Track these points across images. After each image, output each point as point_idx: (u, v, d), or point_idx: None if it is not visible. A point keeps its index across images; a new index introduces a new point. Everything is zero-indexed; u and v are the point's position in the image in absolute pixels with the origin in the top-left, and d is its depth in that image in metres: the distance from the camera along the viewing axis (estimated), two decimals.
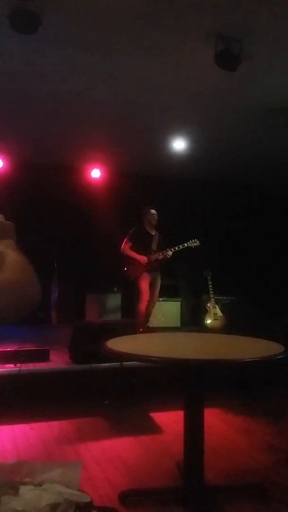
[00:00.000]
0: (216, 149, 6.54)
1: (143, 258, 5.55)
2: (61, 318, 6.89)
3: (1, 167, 6.94)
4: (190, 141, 6.33)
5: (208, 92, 4.88)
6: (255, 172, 7.51)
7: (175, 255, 5.75)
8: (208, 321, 6.61)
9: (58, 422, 3.61)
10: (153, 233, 5.77)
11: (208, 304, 6.71)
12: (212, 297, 6.70)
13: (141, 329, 5.26)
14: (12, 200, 5.81)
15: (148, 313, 5.68)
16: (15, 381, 3.85)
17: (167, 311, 6.99)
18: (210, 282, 6.74)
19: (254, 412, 3.95)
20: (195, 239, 5.84)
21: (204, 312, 6.83)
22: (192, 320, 7.34)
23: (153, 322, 6.17)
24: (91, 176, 7.48)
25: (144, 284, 5.54)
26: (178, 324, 7.06)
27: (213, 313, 6.63)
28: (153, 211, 5.71)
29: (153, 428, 3.57)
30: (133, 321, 5.49)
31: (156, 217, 5.72)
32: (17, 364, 4.03)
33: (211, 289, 6.71)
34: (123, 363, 4.08)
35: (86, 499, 1.33)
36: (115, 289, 7.25)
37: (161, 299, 6.49)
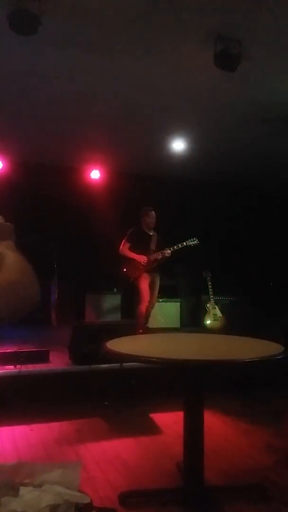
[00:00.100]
0: (216, 149, 6.54)
1: (142, 258, 5.53)
2: (60, 318, 6.88)
3: (0, 168, 6.94)
4: (190, 141, 6.33)
5: (207, 93, 4.88)
6: (254, 172, 7.52)
7: (175, 256, 5.75)
8: (208, 322, 6.61)
9: (58, 423, 3.61)
10: (151, 233, 5.75)
11: (208, 305, 6.71)
12: (212, 298, 6.70)
13: (140, 330, 5.26)
14: (11, 201, 5.81)
15: (147, 314, 5.67)
16: (15, 383, 3.85)
17: (166, 311, 6.99)
18: (209, 283, 6.74)
19: (254, 413, 3.94)
20: (194, 238, 5.83)
21: (203, 312, 6.83)
22: (191, 320, 7.34)
23: (153, 322, 6.17)
24: (90, 177, 7.48)
25: (144, 285, 5.52)
26: (177, 324, 7.06)
27: (213, 314, 6.63)
28: (151, 213, 5.69)
29: (153, 429, 3.57)
30: (133, 321, 5.49)
31: (155, 219, 5.70)
32: (17, 366, 4.03)
33: (210, 289, 6.71)
34: (123, 364, 4.08)
35: (86, 500, 1.33)
36: (115, 289, 7.25)
37: (160, 300, 6.49)
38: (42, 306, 6.66)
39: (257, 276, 7.68)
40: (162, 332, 5.80)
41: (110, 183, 7.40)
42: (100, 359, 3.99)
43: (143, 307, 5.52)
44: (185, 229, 6.02)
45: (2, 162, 6.93)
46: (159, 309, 6.49)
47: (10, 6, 3.38)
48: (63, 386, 4.02)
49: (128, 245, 5.62)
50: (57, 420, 3.66)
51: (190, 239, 5.82)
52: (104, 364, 4.14)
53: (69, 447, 3.19)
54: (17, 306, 0.91)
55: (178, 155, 6.69)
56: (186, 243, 5.78)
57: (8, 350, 4.28)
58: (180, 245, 5.74)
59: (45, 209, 6.84)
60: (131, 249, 5.60)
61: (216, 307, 6.68)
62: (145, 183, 7.09)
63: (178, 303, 7.24)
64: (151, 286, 5.60)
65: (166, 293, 6.79)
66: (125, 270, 5.63)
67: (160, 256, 5.59)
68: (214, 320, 6.58)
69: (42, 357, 4.34)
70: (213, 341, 2.99)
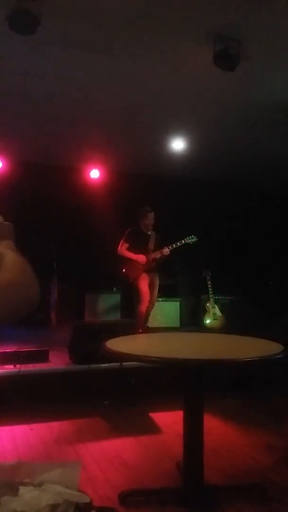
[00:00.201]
0: (215, 149, 6.54)
1: (141, 258, 5.51)
2: (60, 318, 6.88)
3: (0, 168, 6.94)
4: (189, 141, 6.33)
5: (207, 92, 4.88)
6: (254, 172, 7.52)
7: (175, 255, 5.74)
8: (208, 321, 6.62)
9: (58, 423, 3.61)
10: (150, 233, 5.72)
11: (208, 304, 6.72)
12: (212, 297, 6.70)
13: (140, 330, 5.25)
14: (11, 201, 5.82)
15: (147, 314, 5.65)
16: (15, 382, 3.85)
17: (166, 311, 6.99)
18: (209, 282, 6.74)
19: (254, 412, 3.95)
20: (192, 235, 5.80)
21: (203, 312, 6.84)
22: (191, 320, 7.34)
23: (152, 322, 6.17)
24: (90, 177, 7.48)
25: (143, 285, 5.50)
26: (177, 324, 7.06)
27: (213, 313, 6.63)
28: (150, 214, 5.63)
29: (153, 429, 3.57)
30: (132, 321, 5.48)
31: (153, 220, 5.66)
32: (17, 365, 4.02)
33: (210, 289, 6.71)
34: (123, 363, 4.08)
35: (86, 499, 1.33)
36: (115, 289, 7.25)
37: (160, 299, 6.49)
38: (42, 306, 6.67)
39: (257, 275, 7.68)
40: (161, 331, 5.80)
41: (110, 182, 7.40)
42: (100, 359, 3.99)
43: (143, 307, 5.50)
44: (185, 229, 6.01)
45: (2, 162, 6.93)
46: (158, 308, 6.49)
47: (10, 6, 3.38)
48: (63, 385, 4.02)
49: (126, 245, 5.59)
50: (57, 419, 3.66)
51: (189, 236, 5.79)
52: (104, 363, 4.13)
53: (69, 446, 3.19)
54: (17, 306, 0.91)
55: (178, 155, 6.69)
56: (184, 241, 5.75)
57: (7, 350, 4.28)
58: (178, 243, 5.70)
59: (45, 209, 6.84)
60: (129, 249, 5.57)
61: (216, 306, 6.69)
62: (145, 183, 7.09)
63: (178, 303, 7.24)
64: (151, 286, 5.57)
65: (166, 292, 6.79)
66: (124, 270, 5.61)
67: (159, 256, 5.57)
68: (214, 319, 6.59)
69: (41, 356, 4.34)
70: (212, 341, 2.99)
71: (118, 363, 4.09)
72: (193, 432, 2.42)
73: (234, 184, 7.74)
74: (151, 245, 5.66)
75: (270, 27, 3.72)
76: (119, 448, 3.12)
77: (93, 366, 4.13)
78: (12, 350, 4.26)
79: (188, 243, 5.77)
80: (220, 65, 3.99)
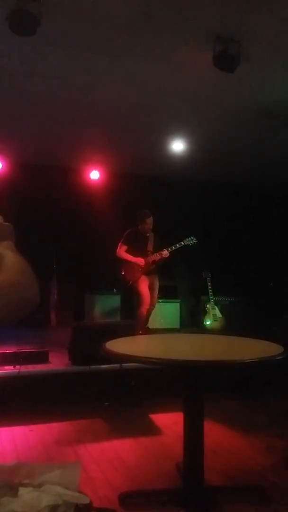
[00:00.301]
0: (215, 149, 6.54)
1: (140, 260, 5.46)
2: (60, 319, 6.89)
3: (0, 168, 6.94)
4: (189, 141, 6.33)
5: (207, 93, 4.89)
6: (254, 172, 7.52)
7: (175, 256, 5.71)
8: (208, 322, 6.61)
9: (58, 424, 3.61)
10: (148, 234, 5.65)
11: (208, 305, 6.72)
12: (212, 298, 6.70)
13: (140, 332, 5.24)
14: (11, 202, 5.81)
15: (148, 315, 5.62)
16: (15, 383, 3.85)
17: (166, 312, 6.98)
18: (209, 283, 6.74)
19: (254, 413, 3.94)
20: (192, 237, 5.74)
21: (203, 313, 6.84)
22: (191, 321, 7.35)
23: (152, 323, 6.17)
24: (90, 177, 7.49)
25: (143, 287, 5.44)
26: (177, 325, 7.06)
27: (213, 314, 6.63)
28: (148, 220, 5.52)
29: (152, 430, 3.56)
30: (132, 322, 5.46)
31: (152, 225, 5.56)
32: (16, 366, 4.02)
33: (210, 290, 6.71)
34: (123, 364, 4.08)
35: (86, 500, 1.33)
36: (115, 290, 7.25)
37: (160, 300, 6.47)
38: (42, 307, 6.67)
39: (257, 276, 7.68)
40: (161, 332, 5.80)
41: (110, 183, 7.40)
42: (100, 360, 3.98)
43: (143, 309, 5.44)
44: (185, 230, 6.00)
45: (1, 163, 6.93)
46: (158, 309, 6.48)
47: (9, 7, 3.38)
48: (63, 386, 4.02)
49: (125, 247, 5.54)
50: (57, 420, 3.66)
51: (188, 238, 5.73)
52: (103, 364, 4.13)
53: (68, 447, 3.18)
54: (17, 307, 0.91)
55: (178, 156, 6.69)
56: (184, 242, 5.69)
57: (7, 351, 4.28)
58: (178, 245, 5.65)
59: (45, 209, 6.84)
60: (128, 251, 5.52)
61: (216, 307, 6.68)
62: (145, 184, 7.09)
63: (178, 304, 7.24)
64: (151, 288, 5.52)
65: (166, 293, 6.78)
66: (123, 273, 5.57)
67: (158, 258, 5.51)
68: (214, 320, 6.58)
69: (41, 357, 4.33)
70: (213, 342, 2.99)
71: (118, 364, 4.09)
72: (193, 433, 2.42)
73: (234, 185, 7.75)
74: (149, 247, 5.61)
75: (270, 27, 3.72)
76: (119, 449, 3.12)
77: (93, 367, 4.12)
78: (12, 351, 4.26)
79: (188, 245, 5.72)
80: (220, 66, 3.99)
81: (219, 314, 6.63)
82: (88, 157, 6.96)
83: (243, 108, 5.26)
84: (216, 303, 6.72)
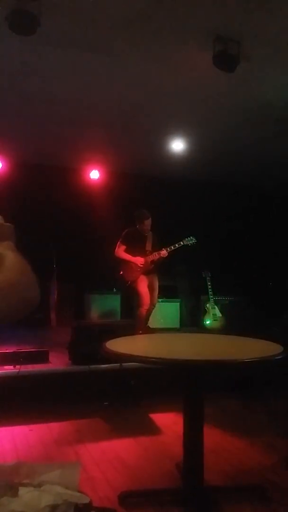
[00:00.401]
0: (215, 149, 6.55)
1: (138, 260, 5.43)
2: (60, 319, 6.88)
3: (0, 169, 6.95)
4: (189, 141, 6.34)
5: (207, 93, 4.89)
6: (254, 172, 7.53)
7: (174, 256, 5.70)
8: (207, 322, 6.61)
9: (58, 424, 3.61)
10: (147, 234, 5.61)
11: (208, 305, 6.72)
12: (212, 298, 6.70)
13: (140, 332, 5.23)
14: (11, 202, 5.82)
15: (148, 315, 5.60)
16: (14, 383, 3.85)
17: (166, 312, 6.99)
18: (209, 283, 6.74)
19: (253, 413, 3.94)
20: (191, 237, 5.71)
21: (203, 312, 6.84)
22: (191, 321, 7.34)
23: (152, 323, 6.16)
24: (90, 177, 7.49)
25: (142, 288, 5.41)
26: (177, 325, 7.07)
27: (212, 314, 6.63)
28: (147, 221, 5.48)
29: (152, 429, 3.56)
30: (132, 322, 5.46)
31: (150, 226, 5.52)
32: (16, 366, 4.02)
33: (210, 289, 6.71)
34: (123, 364, 4.08)
35: (85, 500, 1.33)
36: (114, 290, 7.25)
37: (160, 300, 6.46)
38: (42, 306, 6.67)
39: (256, 276, 7.68)
40: (161, 332, 5.80)
41: (110, 183, 7.40)
42: (100, 360, 3.99)
43: (143, 310, 5.42)
44: (184, 230, 5.99)
45: (1, 163, 6.93)
46: (158, 309, 6.47)
47: (9, 6, 3.38)
48: (63, 386, 4.02)
49: (123, 247, 5.51)
50: (57, 420, 3.66)
51: (187, 238, 5.69)
52: (103, 364, 4.13)
53: (68, 447, 3.19)
54: (17, 307, 0.91)
55: (178, 155, 6.69)
56: (183, 242, 5.65)
57: (7, 350, 4.28)
58: (177, 245, 5.61)
59: (45, 209, 6.85)
60: (126, 251, 5.50)
61: (216, 307, 6.68)
62: (145, 184, 7.10)
63: (178, 303, 7.24)
64: (150, 287, 5.49)
65: (166, 293, 6.79)
66: (121, 273, 5.55)
67: (157, 257, 5.49)
68: (214, 320, 6.59)
69: (41, 357, 4.33)
70: (212, 342, 2.99)
71: (118, 364, 4.09)
72: (193, 433, 2.42)
73: (234, 185, 7.75)
74: (148, 247, 5.58)
75: (269, 27, 3.73)
76: (119, 449, 3.12)
77: (93, 366, 4.13)
78: (12, 351, 4.26)
79: (187, 245, 5.69)
80: (220, 66, 3.99)
81: (219, 314, 6.63)
82: (88, 157, 6.96)
83: (243, 108, 5.26)
84: (216, 303, 6.72)
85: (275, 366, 3.81)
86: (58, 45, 4.00)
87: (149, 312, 5.57)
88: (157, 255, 5.50)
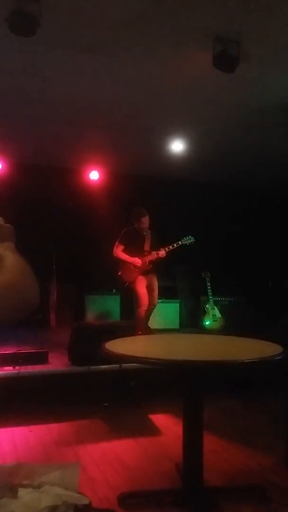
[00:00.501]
0: (215, 150, 6.55)
1: (136, 261, 5.39)
2: (60, 320, 6.87)
3: (0, 169, 6.95)
4: (189, 142, 6.33)
5: (206, 94, 4.89)
6: (254, 172, 7.52)
7: (174, 256, 5.68)
8: (207, 322, 6.61)
9: (57, 425, 3.61)
10: (145, 233, 5.55)
11: (207, 306, 6.71)
12: (211, 298, 6.70)
13: (140, 332, 5.21)
14: (11, 203, 5.81)
15: (148, 315, 5.56)
16: (14, 384, 3.85)
17: (165, 312, 6.98)
18: (208, 283, 6.73)
19: (253, 413, 3.95)
20: (189, 236, 5.64)
21: (203, 313, 6.83)
22: (191, 321, 7.34)
23: (152, 323, 6.16)
24: (89, 178, 7.49)
25: (140, 288, 5.37)
26: (177, 325, 7.06)
27: (212, 314, 6.63)
28: (144, 219, 5.42)
29: (152, 430, 3.56)
30: (132, 322, 5.44)
31: (147, 224, 5.47)
32: (16, 367, 4.02)
33: (210, 290, 6.71)
34: (122, 365, 4.07)
35: (85, 501, 1.33)
36: (114, 290, 7.24)
37: (159, 301, 6.44)
38: (41, 307, 6.64)
39: (256, 277, 7.68)
40: (161, 333, 5.79)
41: (109, 184, 7.40)
42: (100, 360, 3.98)
43: (142, 311, 5.38)
44: (184, 230, 5.98)
45: (1, 163, 6.93)
46: (158, 309, 6.44)
47: (9, 7, 3.38)
48: (62, 387, 4.02)
49: (121, 247, 5.47)
50: (56, 421, 3.66)
51: (186, 237, 5.63)
52: (103, 365, 4.13)
53: (68, 448, 3.18)
54: (17, 308, 0.91)
55: (177, 156, 6.69)
56: (181, 242, 5.59)
57: (7, 351, 4.27)
58: (175, 245, 5.55)
59: (45, 210, 6.85)
60: (124, 251, 5.45)
61: (215, 307, 6.68)
62: (144, 184, 7.09)
63: (177, 304, 7.23)
64: (149, 288, 5.44)
65: (165, 294, 6.78)
66: (120, 273, 5.52)
67: (155, 257, 5.43)
68: (214, 321, 6.58)
69: (41, 358, 4.33)
70: (212, 342, 2.99)
71: (118, 365, 4.08)
72: (192, 434, 2.42)
73: (233, 185, 7.75)
74: (146, 247, 5.52)
75: (269, 27, 3.72)
76: (119, 450, 3.12)
77: (93, 367, 4.12)
78: (12, 352, 4.25)
79: (185, 244, 5.65)
80: (220, 67, 3.99)
81: (218, 314, 6.63)
82: (87, 158, 6.96)
83: (243, 108, 5.26)
84: (215, 303, 6.72)
85: (275, 367, 3.80)
86: (58, 46, 4.00)
87: (149, 312, 5.53)
88: (155, 255, 5.44)
